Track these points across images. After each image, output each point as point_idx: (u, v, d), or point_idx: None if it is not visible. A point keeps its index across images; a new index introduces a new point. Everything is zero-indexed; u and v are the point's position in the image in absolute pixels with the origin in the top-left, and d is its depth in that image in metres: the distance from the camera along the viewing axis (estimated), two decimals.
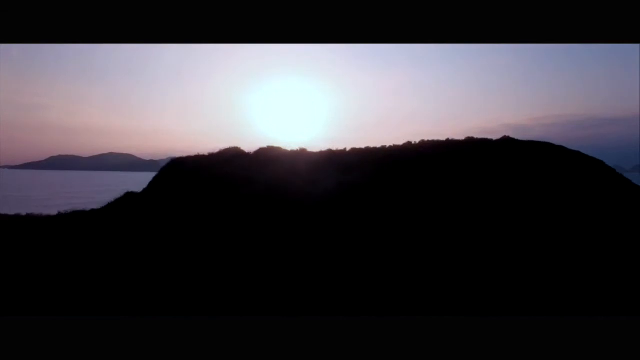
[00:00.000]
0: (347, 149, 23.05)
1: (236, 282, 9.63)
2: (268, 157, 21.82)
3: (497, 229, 12.62)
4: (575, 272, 9.74)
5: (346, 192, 15.96)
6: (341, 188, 16.32)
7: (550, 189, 15.77)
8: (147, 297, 8.71)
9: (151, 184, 21.58)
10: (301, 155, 22.79)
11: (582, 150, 20.05)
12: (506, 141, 21.61)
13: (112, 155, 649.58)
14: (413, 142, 22.51)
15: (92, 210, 19.84)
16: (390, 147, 22.41)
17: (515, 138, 21.68)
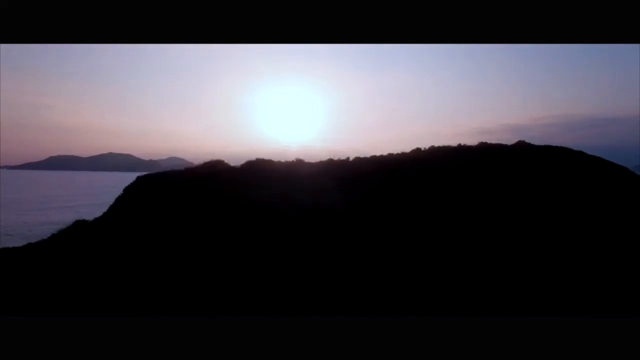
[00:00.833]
0: (350, 158, 20.66)
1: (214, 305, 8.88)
2: (256, 173, 18.85)
3: (515, 241, 11.71)
4: (600, 283, 9.43)
5: (352, 212, 14.26)
6: (347, 208, 14.47)
7: (571, 197, 14.76)
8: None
9: (111, 209, 18.13)
10: (298, 168, 19.73)
11: (582, 150, 19.50)
12: (521, 146, 20.30)
13: (111, 155, 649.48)
14: (422, 149, 20.90)
15: (43, 240, 16.37)
16: (397, 154, 20.60)
17: (528, 142, 20.50)
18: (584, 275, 9.68)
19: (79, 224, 16.73)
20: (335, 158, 20.81)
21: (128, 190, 18.92)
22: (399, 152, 20.94)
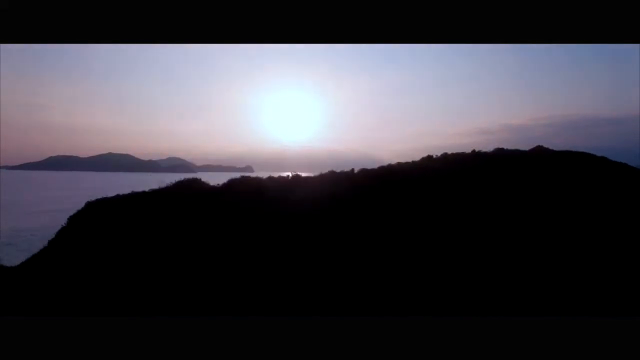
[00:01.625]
0: (356, 170, 18.15)
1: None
2: (240, 195, 15.58)
3: (534, 250, 11.08)
4: (621, 290, 9.11)
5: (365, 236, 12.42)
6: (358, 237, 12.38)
7: (592, 205, 13.76)
8: None
9: (57, 236, 15.64)
10: (292, 187, 16.25)
11: (581, 150, 19.04)
12: (539, 151, 19.27)
13: (111, 156, 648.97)
14: (434, 156, 19.49)
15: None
16: (407, 163, 18.90)
17: (547, 147, 19.57)
18: (610, 282, 9.18)
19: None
20: (338, 170, 18.02)
21: (74, 219, 15.94)
22: (409, 160, 19.02)
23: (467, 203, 14.27)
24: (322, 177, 17.75)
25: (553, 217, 13.14)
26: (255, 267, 11.13)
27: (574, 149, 18.89)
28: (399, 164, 18.98)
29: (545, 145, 20.29)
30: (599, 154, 18.49)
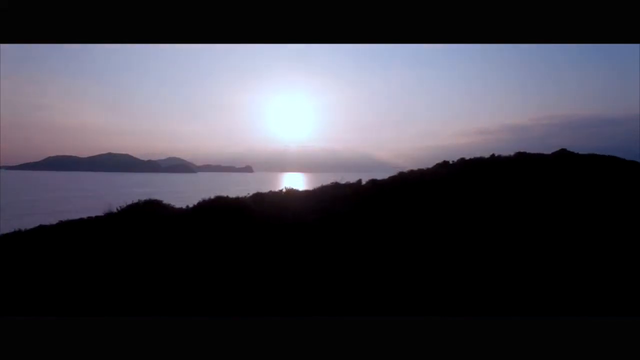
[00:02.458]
0: (363, 181, 15.71)
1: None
2: (213, 223, 11.65)
3: (564, 256, 10.52)
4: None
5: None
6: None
7: (624, 211, 12.84)
8: None
9: None
10: (284, 208, 12.92)
11: (582, 150, 18.61)
12: (563, 155, 17.95)
13: (110, 156, 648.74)
14: (450, 162, 17.92)
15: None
16: (420, 170, 17.16)
17: (571, 150, 18.43)
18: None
19: None
20: (343, 182, 15.25)
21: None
22: (411, 160, 17.73)
23: (490, 212, 12.89)
24: (322, 191, 14.66)
25: (583, 224, 12.32)
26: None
27: (574, 149, 18.35)
28: (411, 172, 16.76)
29: (545, 146, 19.67)
30: (598, 154, 17.97)
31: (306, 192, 15.08)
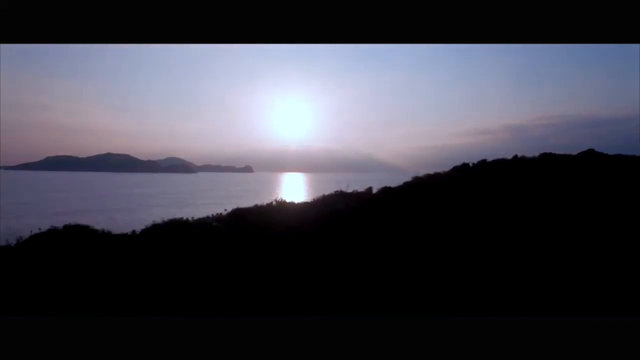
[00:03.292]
0: (374, 190, 13.71)
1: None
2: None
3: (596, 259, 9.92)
4: None
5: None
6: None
7: None
8: None
9: None
10: (270, 225, 10.63)
11: (581, 151, 18.24)
12: (590, 155, 17.09)
13: (109, 156, 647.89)
14: (470, 164, 16.60)
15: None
16: (437, 174, 15.87)
17: (597, 151, 17.53)
18: None
19: None
20: (349, 190, 12.89)
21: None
22: (441, 171, 15.90)
23: (516, 216, 11.88)
24: (323, 203, 12.28)
25: (614, 225, 11.67)
26: None
27: (574, 149, 17.92)
28: (427, 176, 15.03)
29: (545, 145, 19.26)
30: (626, 154, 17.09)
31: (302, 205, 12.56)
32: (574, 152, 17.95)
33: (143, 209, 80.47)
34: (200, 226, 11.03)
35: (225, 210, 12.24)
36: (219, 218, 11.82)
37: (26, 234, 10.82)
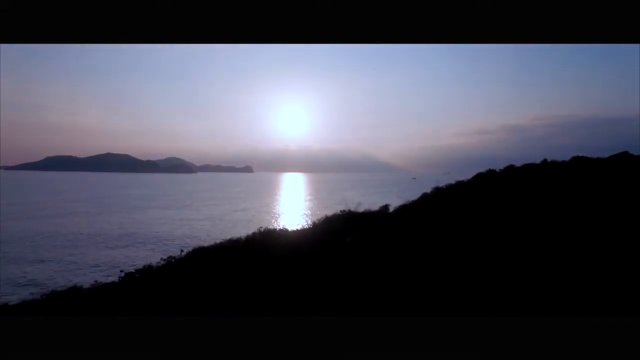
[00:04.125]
0: (391, 207, 12.14)
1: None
2: None
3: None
4: None
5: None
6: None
7: None
8: None
9: None
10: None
11: (581, 150, 17.95)
12: (623, 158, 16.12)
13: (109, 156, 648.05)
14: (497, 170, 15.64)
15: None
16: (461, 184, 14.68)
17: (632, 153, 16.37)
18: None
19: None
20: (359, 209, 10.84)
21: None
22: (461, 179, 14.69)
23: (550, 230, 10.89)
24: (326, 229, 9.94)
25: None
26: None
27: (573, 149, 17.60)
28: (449, 187, 13.40)
29: (545, 145, 18.75)
30: (598, 154, 17.06)
31: (296, 235, 9.98)
32: (578, 153, 17.03)
33: (139, 210, 79.92)
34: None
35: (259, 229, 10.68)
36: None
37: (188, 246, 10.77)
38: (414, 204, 12.26)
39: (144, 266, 10.55)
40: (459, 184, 14.38)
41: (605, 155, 16.64)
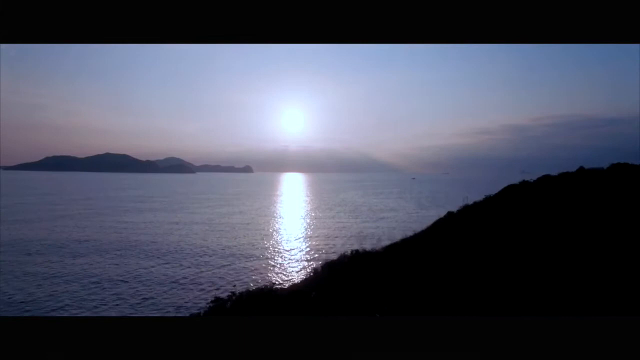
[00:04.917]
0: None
1: None
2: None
3: None
4: None
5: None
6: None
7: None
8: None
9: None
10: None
11: (581, 150, 17.23)
12: None
13: (108, 156, 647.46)
14: (530, 180, 15.19)
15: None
16: (488, 198, 14.53)
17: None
18: None
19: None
20: (367, 249, 11.49)
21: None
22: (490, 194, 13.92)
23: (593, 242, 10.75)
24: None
25: None
26: None
27: (573, 149, 17.19)
28: (487, 199, 12.77)
29: (545, 145, 18.28)
30: (599, 153, 17.01)
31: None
32: (577, 152, 16.88)
33: (134, 213, 78.61)
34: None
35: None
36: None
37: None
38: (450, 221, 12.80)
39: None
40: (487, 198, 13.91)
41: (605, 155, 16.30)
